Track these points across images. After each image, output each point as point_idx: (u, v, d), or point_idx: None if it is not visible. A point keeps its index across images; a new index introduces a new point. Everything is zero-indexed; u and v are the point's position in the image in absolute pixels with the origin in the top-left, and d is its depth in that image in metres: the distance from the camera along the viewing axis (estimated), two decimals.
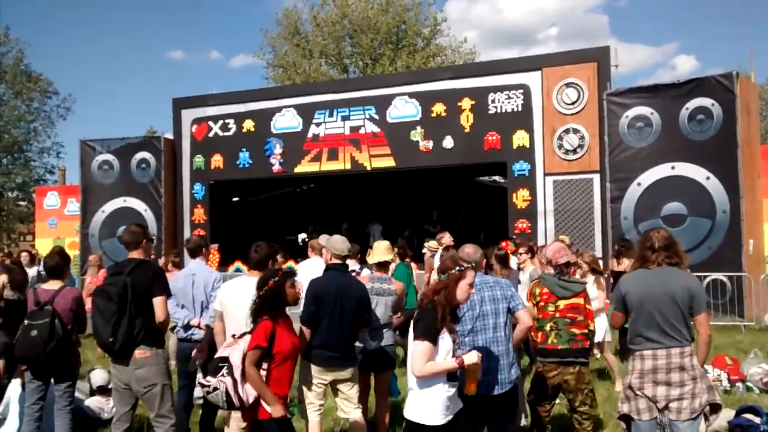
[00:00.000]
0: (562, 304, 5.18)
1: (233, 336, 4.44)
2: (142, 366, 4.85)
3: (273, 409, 4.09)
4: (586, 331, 5.16)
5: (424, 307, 3.95)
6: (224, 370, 4.17)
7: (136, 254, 5.10)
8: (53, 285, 5.54)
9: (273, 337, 4.15)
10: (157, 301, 4.89)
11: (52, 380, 5.52)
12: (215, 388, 4.14)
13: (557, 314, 5.15)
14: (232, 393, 4.11)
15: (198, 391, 6.52)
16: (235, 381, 4.12)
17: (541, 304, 5.25)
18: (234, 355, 4.19)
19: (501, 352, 4.43)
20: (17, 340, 5.34)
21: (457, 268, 3.98)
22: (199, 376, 6.47)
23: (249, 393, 4.14)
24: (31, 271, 11.02)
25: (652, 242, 4.24)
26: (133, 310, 4.79)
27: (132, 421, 5.19)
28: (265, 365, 4.17)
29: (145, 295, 4.86)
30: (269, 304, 4.25)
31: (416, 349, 3.80)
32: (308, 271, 8.02)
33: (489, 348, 4.43)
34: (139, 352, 4.83)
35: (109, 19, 77.45)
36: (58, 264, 5.66)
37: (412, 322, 3.95)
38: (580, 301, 5.20)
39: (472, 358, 3.86)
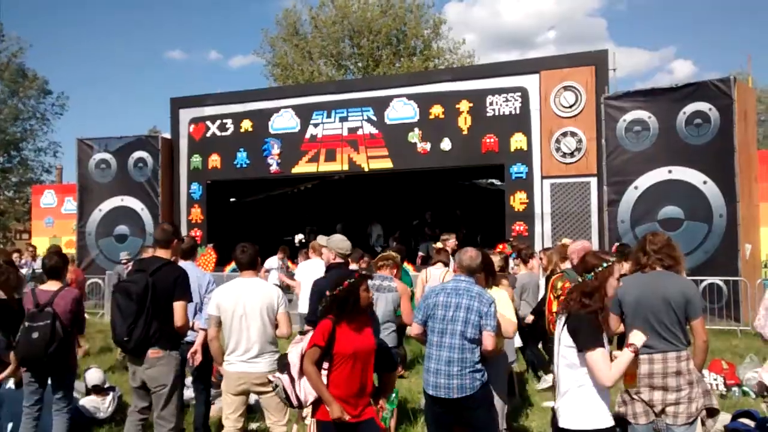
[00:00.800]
0: None
1: (302, 333, 4.39)
2: (153, 366, 4.86)
3: (331, 409, 3.98)
4: None
5: (577, 313, 3.67)
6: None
7: (163, 253, 5.09)
8: (52, 286, 5.48)
9: (333, 338, 4.03)
10: (178, 306, 4.87)
11: (50, 381, 5.46)
12: (276, 385, 4.10)
13: None
14: (289, 390, 4.05)
15: (190, 392, 6.50)
16: (292, 378, 4.05)
17: (562, 297, 5.22)
18: (293, 353, 4.11)
19: (463, 359, 4.40)
20: (18, 341, 5.29)
21: (604, 264, 3.76)
22: (188, 380, 6.45)
23: (308, 392, 4.06)
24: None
25: (644, 246, 4.26)
26: (151, 312, 4.78)
27: (149, 415, 5.16)
28: (325, 365, 4.07)
29: (166, 297, 4.85)
30: (339, 304, 4.13)
31: (595, 359, 3.53)
32: (308, 271, 8.04)
33: (449, 353, 4.43)
34: (153, 352, 4.84)
35: (108, 19, 77.40)
36: (56, 264, 5.60)
37: (569, 332, 3.68)
38: None
39: (641, 338, 3.75)
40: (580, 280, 5.19)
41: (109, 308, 14.42)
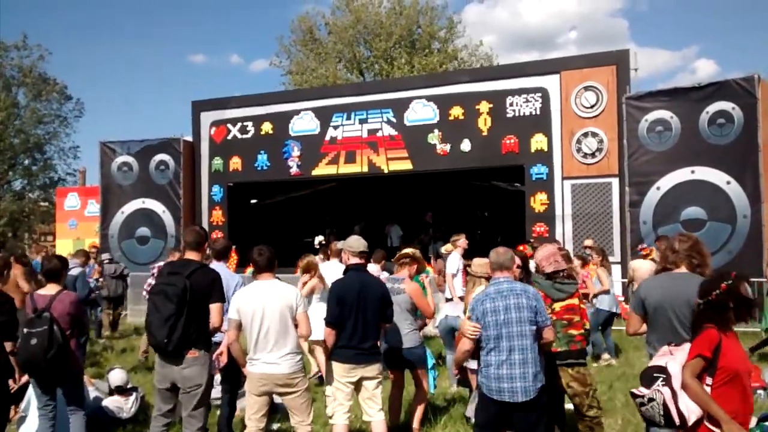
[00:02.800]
0: (557, 306, 5.08)
1: (669, 345, 4.00)
2: (191, 366, 4.86)
3: (726, 428, 3.45)
4: (582, 331, 5.10)
5: None
6: (660, 381, 3.69)
7: (194, 255, 5.11)
8: (50, 289, 5.46)
9: (718, 349, 3.56)
10: (214, 308, 4.91)
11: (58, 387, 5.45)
12: (651, 399, 3.68)
13: (554, 317, 4.98)
14: (671, 405, 3.60)
15: (215, 392, 6.54)
16: (674, 392, 3.62)
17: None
18: (672, 365, 3.71)
19: (525, 360, 4.39)
20: (18, 348, 5.25)
21: None
22: (217, 378, 6.50)
23: (690, 409, 3.58)
24: None
25: (671, 247, 4.23)
26: (189, 313, 4.79)
27: (174, 418, 5.18)
28: (709, 381, 3.58)
29: (203, 299, 4.87)
30: (717, 310, 3.67)
31: None
32: (327, 274, 8.06)
33: (512, 356, 4.39)
34: (190, 353, 4.85)
35: (130, 23, 78.12)
36: (56, 267, 5.57)
37: None
38: (575, 301, 5.12)
39: None
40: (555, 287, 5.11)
41: (131, 309, 14.63)
